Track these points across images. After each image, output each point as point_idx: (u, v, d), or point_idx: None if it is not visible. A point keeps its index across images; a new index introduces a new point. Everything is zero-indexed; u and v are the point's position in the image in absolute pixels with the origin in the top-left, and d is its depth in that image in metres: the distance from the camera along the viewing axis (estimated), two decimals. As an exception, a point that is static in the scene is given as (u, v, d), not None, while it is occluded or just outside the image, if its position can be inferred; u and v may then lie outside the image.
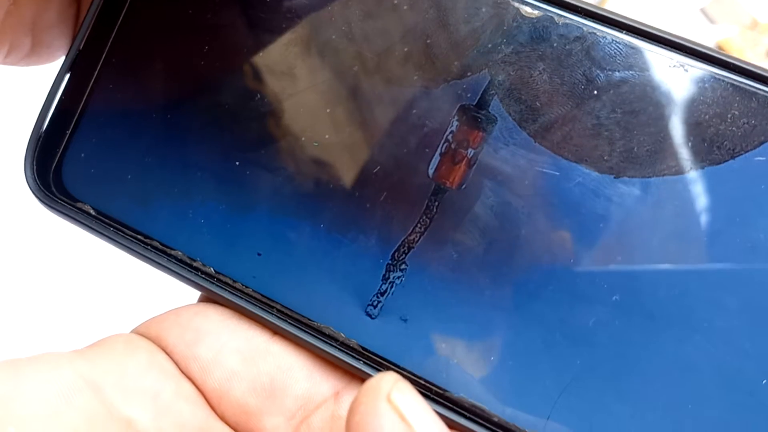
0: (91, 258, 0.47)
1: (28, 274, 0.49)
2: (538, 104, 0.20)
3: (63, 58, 0.25)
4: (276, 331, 0.21)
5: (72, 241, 0.46)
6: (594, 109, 0.20)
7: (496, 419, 0.19)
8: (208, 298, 0.23)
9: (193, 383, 0.21)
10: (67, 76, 0.23)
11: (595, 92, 0.20)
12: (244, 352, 0.21)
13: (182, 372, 0.21)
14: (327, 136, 0.21)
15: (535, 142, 0.20)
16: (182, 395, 0.20)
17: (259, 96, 0.22)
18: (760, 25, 0.54)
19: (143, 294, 0.40)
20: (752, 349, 0.18)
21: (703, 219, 0.19)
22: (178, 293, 0.24)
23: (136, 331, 0.22)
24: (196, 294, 0.23)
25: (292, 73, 0.21)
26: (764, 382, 0.18)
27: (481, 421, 0.20)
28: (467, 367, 0.20)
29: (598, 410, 0.19)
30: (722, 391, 0.18)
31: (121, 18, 0.22)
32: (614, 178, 0.19)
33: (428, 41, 0.20)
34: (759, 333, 0.18)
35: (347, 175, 0.21)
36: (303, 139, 0.21)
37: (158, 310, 0.22)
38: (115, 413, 0.19)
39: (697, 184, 0.19)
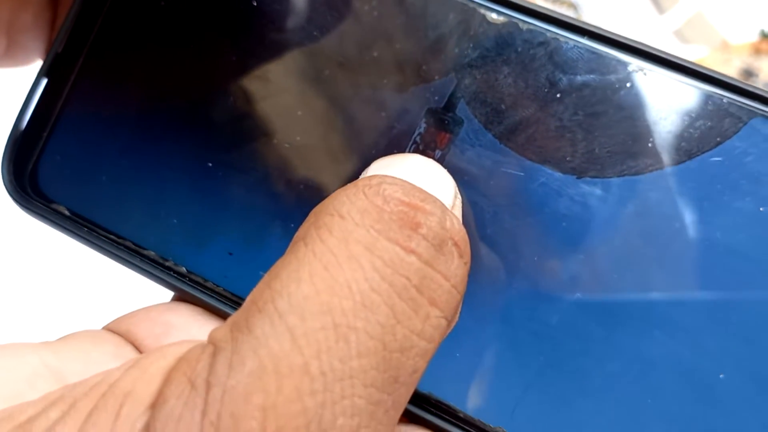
0: (65, 259, 0.47)
1: (2, 274, 0.49)
2: (503, 107, 0.20)
3: (37, 61, 0.26)
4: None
5: (48, 243, 0.46)
6: (557, 111, 0.20)
7: (461, 415, 0.20)
8: (180, 299, 0.23)
9: None
10: (45, 79, 0.23)
11: (558, 95, 0.20)
12: None
13: None
14: (298, 138, 0.22)
15: (500, 143, 0.20)
16: None
17: (231, 98, 0.22)
18: (730, 47, 0.55)
19: (116, 294, 0.40)
20: (709, 344, 0.19)
21: (662, 217, 0.19)
22: (151, 294, 0.24)
23: (106, 327, 0.22)
24: (169, 295, 0.23)
25: (264, 76, 0.22)
26: (721, 376, 0.19)
27: (447, 417, 0.20)
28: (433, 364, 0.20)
29: (561, 406, 0.19)
30: (681, 386, 0.19)
31: (99, 22, 0.23)
32: (576, 178, 0.20)
33: (397, 46, 0.21)
34: (716, 328, 0.19)
35: (318, 176, 0.21)
36: (275, 140, 0.22)
37: (131, 310, 0.23)
38: None
39: (656, 184, 0.20)
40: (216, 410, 0.12)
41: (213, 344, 0.14)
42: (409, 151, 0.21)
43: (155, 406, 0.13)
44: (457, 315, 0.16)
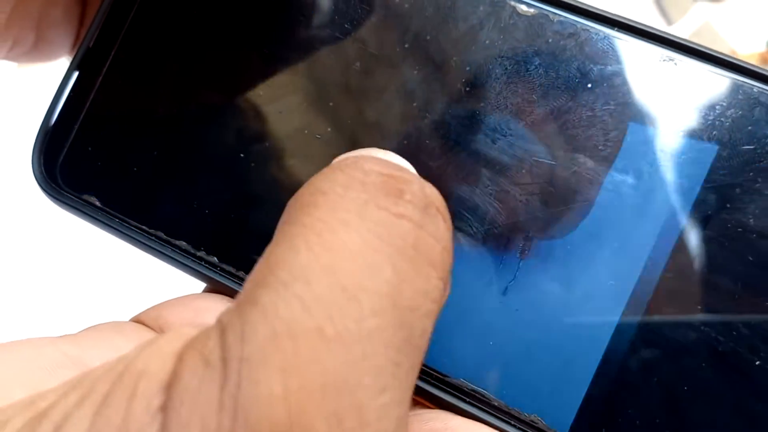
0: (96, 252, 0.48)
1: (34, 267, 0.49)
2: (534, 97, 0.21)
3: (64, 56, 0.26)
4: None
5: (78, 236, 0.46)
6: (588, 101, 0.20)
7: (496, 403, 0.20)
8: (212, 290, 0.23)
9: None
10: (76, 72, 0.23)
11: (589, 85, 0.20)
12: None
13: None
14: (329, 129, 0.22)
15: (532, 133, 0.21)
16: None
17: (263, 90, 0.22)
18: (738, 57, 0.55)
19: (146, 288, 0.40)
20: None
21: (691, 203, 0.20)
22: (181, 289, 0.24)
23: (135, 318, 0.22)
24: (200, 289, 0.23)
25: (295, 68, 0.22)
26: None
27: (481, 406, 0.20)
28: (467, 353, 0.20)
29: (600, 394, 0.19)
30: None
31: (131, 16, 0.23)
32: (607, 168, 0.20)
33: (428, 38, 0.21)
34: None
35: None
36: (306, 131, 0.22)
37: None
38: None
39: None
40: (234, 381, 0.12)
41: (222, 323, 0.14)
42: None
43: (171, 385, 0.13)
44: (450, 280, 0.16)
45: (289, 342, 0.12)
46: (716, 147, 0.20)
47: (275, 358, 0.12)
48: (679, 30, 0.58)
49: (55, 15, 0.24)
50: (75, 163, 0.23)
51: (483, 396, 0.20)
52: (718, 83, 0.20)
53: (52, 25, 0.25)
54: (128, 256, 0.25)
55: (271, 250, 0.14)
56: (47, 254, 0.50)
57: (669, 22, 0.58)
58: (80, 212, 0.23)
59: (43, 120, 0.23)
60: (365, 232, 0.14)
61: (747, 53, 0.56)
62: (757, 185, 0.19)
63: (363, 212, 0.14)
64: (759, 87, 0.20)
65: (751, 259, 0.19)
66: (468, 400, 0.20)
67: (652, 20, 0.58)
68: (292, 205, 0.15)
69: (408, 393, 0.14)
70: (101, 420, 0.13)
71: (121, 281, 0.47)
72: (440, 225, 0.15)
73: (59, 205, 0.23)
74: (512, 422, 0.20)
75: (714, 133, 0.20)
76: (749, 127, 0.19)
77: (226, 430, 0.12)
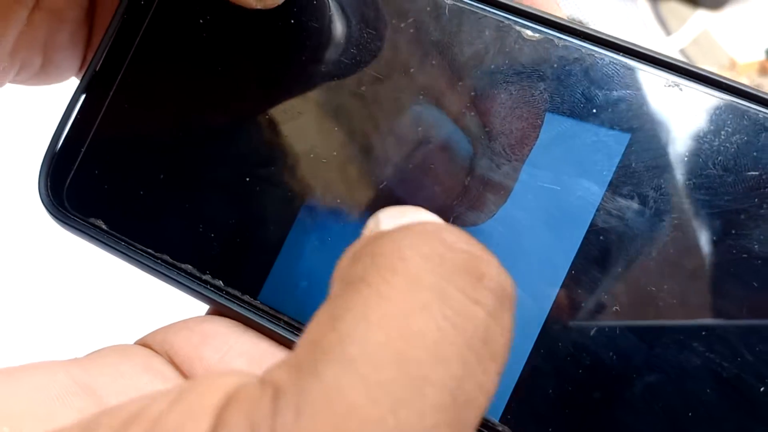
0: (102, 275, 0.48)
1: (39, 289, 0.49)
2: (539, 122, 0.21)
3: (70, 78, 0.26)
4: (282, 342, 0.21)
5: (84, 259, 0.46)
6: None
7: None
8: (216, 312, 0.23)
9: None
10: (83, 96, 0.23)
11: (594, 111, 0.21)
12: (250, 355, 0.21)
13: (185, 374, 0.21)
14: (334, 153, 0.22)
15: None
16: None
17: (268, 115, 0.22)
18: (738, 66, 0.56)
19: (152, 311, 0.40)
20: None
21: (695, 230, 0.20)
22: (186, 311, 0.24)
23: (140, 341, 0.22)
24: (205, 309, 0.23)
25: (302, 93, 0.22)
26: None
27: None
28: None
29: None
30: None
31: (137, 40, 0.23)
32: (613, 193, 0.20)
33: (433, 62, 0.21)
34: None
35: (354, 192, 0.22)
36: (311, 155, 0.22)
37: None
38: None
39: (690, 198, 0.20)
40: None
41: (273, 385, 0.13)
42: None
43: None
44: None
45: (349, 430, 0.12)
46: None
47: None
48: (677, 39, 0.58)
49: (62, 38, 0.24)
50: (81, 187, 0.23)
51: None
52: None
53: (59, 49, 0.25)
54: (134, 280, 0.25)
55: (341, 310, 0.14)
56: (54, 275, 0.50)
57: (667, 31, 0.58)
58: (87, 235, 0.23)
59: (50, 143, 0.23)
60: (442, 320, 0.13)
61: (746, 62, 0.57)
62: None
63: (443, 294, 0.14)
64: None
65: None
66: None
67: (651, 30, 0.58)
68: (369, 260, 0.14)
69: None
70: None
71: (127, 303, 0.48)
72: (508, 317, 0.15)
73: (66, 228, 0.23)
74: None
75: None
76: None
77: None
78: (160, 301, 0.33)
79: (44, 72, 0.25)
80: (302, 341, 0.14)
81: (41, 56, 0.24)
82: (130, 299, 0.47)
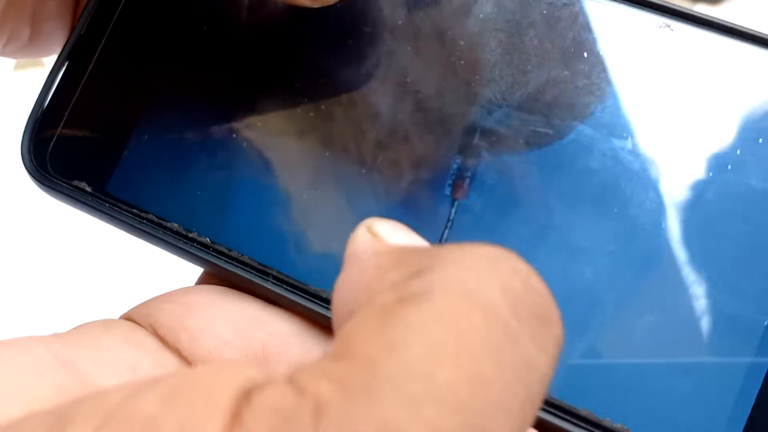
0: (87, 248, 0.47)
1: (26, 261, 0.48)
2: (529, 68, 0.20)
3: (59, 50, 0.26)
4: (271, 300, 0.21)
5: (70, 230, 0.46)
6: (582, 70, 0.20)
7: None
8: (207, 279, 0.22)
9: (181, 355, 0.20)
10: (67, 59, 0.23)
11: (585, 54, 0.20)
12: (236, 322, 0.20)
13: (169, 345, 0.20)
14: (323, 107, 0.21)
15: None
16: (163, 366, 0.20)
17: (254, 68, 0.22)
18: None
19: (140, 282, 0.40)
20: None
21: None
22: (177, 280, 0.24)
23: (124, 315, 0.21)
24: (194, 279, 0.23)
25: (293, 47, 0.22)
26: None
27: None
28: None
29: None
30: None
31: (122, 4, 0.23)
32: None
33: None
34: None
35: (345, 144, 0.21)
36: (299, 110, 0.22)
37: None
38: (89, 383, 0.18)
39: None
40: None
41: (314, 399, 0.11)
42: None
43: None
44: None
45: None
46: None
47: None
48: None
49: (50, 8, 0.24)
50: (65, 150, 0.23)
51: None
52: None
53: (47, 18, 0.24)
54: (123, 249, 0.25)
55: (401, 327, 0.12)
56: (40, 245, 0.49)
57: (668, 28, 0.58)
58: (70, 198, 0.22)
59: (33, 106, 0.23)
60: (510, 371, 0.12)
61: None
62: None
63: (516, 338, 0.12)
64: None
65: None
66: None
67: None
68: (437, 277, 0.13)
69: None
70: None
71: (116, 273, 0.47)
72: (557, 364, 0.13)
73: (49, 193, 0.22)
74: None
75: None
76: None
77: None
78: (150, 274, 0.32)
79: (32, 44, 0.25)
80: (349, 352, 0.12)
81: (29, 27, 0.24)
82: (121, 267, 0.46)
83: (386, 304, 0.13)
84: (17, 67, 0.54)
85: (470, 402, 0.11)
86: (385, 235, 0.16)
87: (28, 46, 0.25)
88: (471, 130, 0.20)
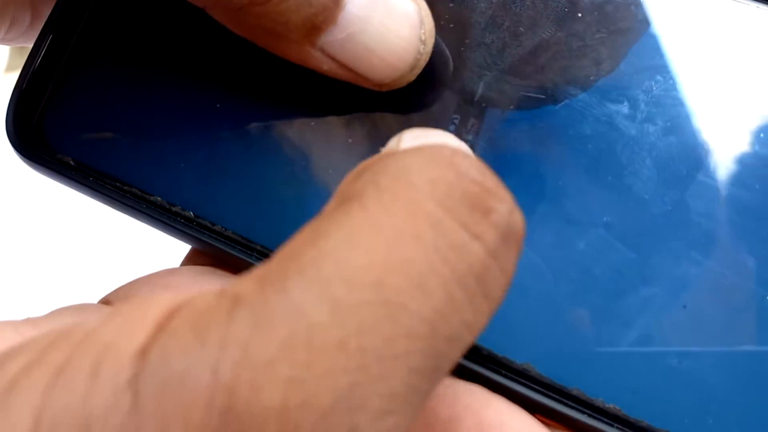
0: (74, 225, 0.47)
1: (12, 240, 0.48)
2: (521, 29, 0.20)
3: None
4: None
5: (59, 208, 0.45)
6: (578, 31, 0.19)
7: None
8: (192, 257, 0.22)
9: None
10: (51, 32, 0.23)
11: (579, 15, 0.19)
12: None
13: None
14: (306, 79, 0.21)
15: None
16: None
17: (238, 42, 0.21)
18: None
19: (128, 261, 0.39)
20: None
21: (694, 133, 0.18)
22: (162, 261, 0.23)
23: (103, 299, 0.21)
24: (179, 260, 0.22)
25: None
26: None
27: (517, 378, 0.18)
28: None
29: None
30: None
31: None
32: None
33: None
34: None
35: (330, 115, 0.21)
36: (281, 81, 0.21)
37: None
38: None
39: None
40: (232, 372, 0.11)
41: (232, 295, 0.12)
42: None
43: (145, 357, 0.11)
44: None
45: (306, 352, 0.11)
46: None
47: (284, 367, 0.11)
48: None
49: None
50: (49, 124, 0.22)
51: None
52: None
53: (47, 1, 0.24)
54: (109, 229, 0.24)
55: (327, 227, 0.13)
56: (27, 225, 0.49)
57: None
58: (54, 173, 0.22)
59: (17, 79, 0.22)
60: (433, 253, 0.12)
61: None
62: None
63: (440, 224, 0.13)
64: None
65: None
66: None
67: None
68: (370, 177, 0.13)
69: (417, 415, 0.12)
70: (56, 396, 0.11)
71: (104, 250, 0.46)
72: (512, 258, 0.14)
73: (33, 167, 0.22)
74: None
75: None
76: None
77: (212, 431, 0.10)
78: (139, 251, 0.32)
79: (33, 29, 0.24)
80: (277, 254, 0.13)
81: (30, 11, 0.24)
82: (104, 250, 0.46)
83: (326, 208, 0.13)
84: (8, 69, 0.54)
85: (382, 281, 0.12)
86: (404, 140, 0.16)
87: (29, 31, 0.24)
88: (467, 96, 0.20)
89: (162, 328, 0.11)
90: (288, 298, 0.11)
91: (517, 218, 0.14)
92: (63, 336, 0.12)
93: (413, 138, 0.16)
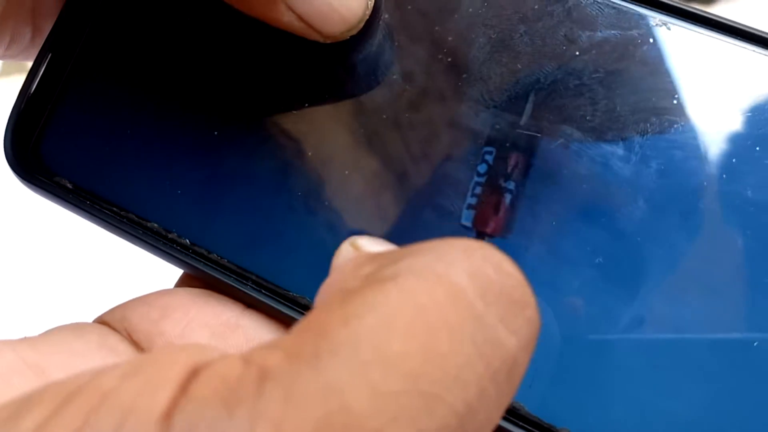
0: (71, 242, 0.47)
1: (6, 258, 0.48)
2: (519, 66, 0.20)
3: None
4: (249, 305, 0.20)
5: (54, 228, 0.45)
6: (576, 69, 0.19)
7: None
8: (186, 280, 0.22)
9: None
10: (49, 52, 0.23)
11: (577, 53, 0.19)
12: (212, 327, 0.20)
13: (143, 351, 0.20)
14: (306, 105, 0.21)
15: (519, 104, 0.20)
16: None
17: (237, 68, 0.21)
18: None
19: (121, 283, 0.39)
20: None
21: (690, 175, 0.18)
22: (157, 283, 0.23)
23: (99, 319, 0.21)
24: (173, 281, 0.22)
25: (276, 46, 0.21)
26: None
27: None
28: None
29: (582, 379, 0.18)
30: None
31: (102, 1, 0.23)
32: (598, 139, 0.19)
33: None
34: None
35: (322, 143, 0.21)
36: (282, 108, 0.21)
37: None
38: None
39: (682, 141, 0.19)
40: None
41: (261, 366, 0.11)
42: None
43: (170, 424, 0.11)
44: None
45: None
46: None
47: None
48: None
49: (49, 4, 0.24)
50: (47, 146, 0.22)
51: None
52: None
53: (47, 16, 0.24)
54: (104, 250, 0.24)
55: (361, 306, 0.12)
56: (22, 244, 0.49)
57: None
58: (52, 195, 0.22)
59: (16, 100, 0.22)
60: (470, 346, 0.12)
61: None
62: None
63: (481, 320, 0.13)
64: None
65: None
66: None
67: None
68: (408, 261, 0.13)
69: None
70: None
71: (97, 271, 0.46)
72: (533, 350, 0.14)
73: (31, 188, 0.22)
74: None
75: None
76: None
77: None
78: (132, 272, 0.32)
79: (34, 45, 0.24)
80: (303, 326, 0.12)
81: (30, 26, 0.24)
82: (99, 270, 0.46)
83: (353, 287, 0.13)
84: (2, 74, 0.53)
85: (420, 370, 0.11)
86: (365, 246, 0.16)
87: (30, 47, 0.24)
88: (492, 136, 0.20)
89: (185, 391, 0.11)
90: (322, 377, 0.11)
91: (539, 310, 0.14)
92: (80, 391, 0.11)
93: (369, 244, 0.16)
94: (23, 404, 0.12)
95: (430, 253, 0.13)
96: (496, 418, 0.13)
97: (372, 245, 0.16)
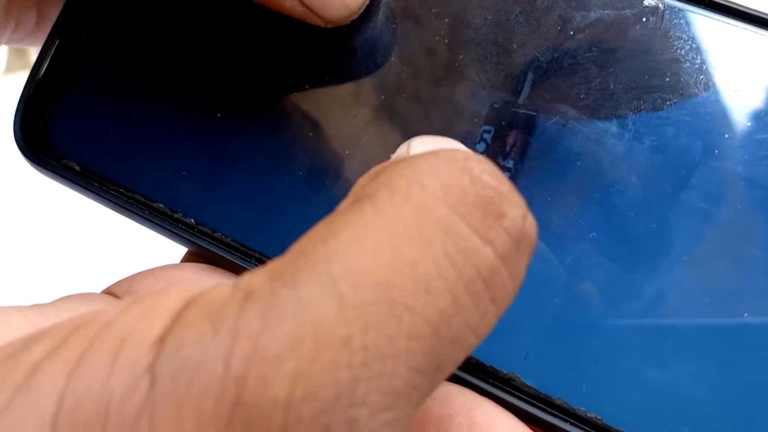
0: (78, 224, 0.47)
1: (19, 237, 0.49)
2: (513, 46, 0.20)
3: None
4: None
5: (62, 208, 0.46)
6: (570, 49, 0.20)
7: (473, 361, 0.19)
8: (191, 257, 0.22)
9: None
10: (58, 37, 0.23)
11: (572, 33, 0.20)
12: None
13: None
14: (306, 86, 0.21)
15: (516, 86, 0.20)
16: None
17: (243, 50, 0.22)
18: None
19: (127, 259, 0.40)
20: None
21: (682, 151, 0.19)
22: (163, 257, 0.24)
23: (106, 290, 0.22)
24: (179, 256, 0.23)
25: (283, 27, 0.22)
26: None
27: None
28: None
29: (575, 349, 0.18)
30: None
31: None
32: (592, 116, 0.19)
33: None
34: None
35: (330, 123, 0.21)
36: (278, 96, 0.21)
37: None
38: None
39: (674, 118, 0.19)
40: (243, 365, 0.11)
41: (245, 289, 0.12)
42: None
43: (162, 345, 0.12)
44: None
45: (312, 347, 0.12)
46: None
47: (291, 361, 0.11)
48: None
49: None
50: (56, 128, 0.23)
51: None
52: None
53: (52, 2, 0.24)
54: (111, 228, 0.25)
55: (338, 226, 0.13)
56: (33, 223, 0.50)
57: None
58: (60, 176, 0.22)
59: (25, 85, 0.23)
60: (441, 255, 0.13)
61: None
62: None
63: (451, 229, 0.13)
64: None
65: None
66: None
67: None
68: (384, 179, 0.14)
69: (415, 412, 0.13)
70: (79, 379, 0.12)
71: (103, 251, 0.47)
72: (523, 264, 0.14)
73: (40, 171, 0.23)
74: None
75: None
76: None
77: (223, 420, 0.11)
78: (139, 249, 0.33)
79: (40, 30, 0.25)
80: (290, 250, 0.13)
81: (35, 11, 0.24)
82: (107, 248, 0.46)
83: (339, 208, 0.14)
84: (7, 71, 0.54)
85: (389, 282, 0.12)
86: (414, 147, 0.16)
87: (35, 32, 0.25)
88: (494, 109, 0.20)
89: (179, 317, 0.12)
90: (296, 293, 0.12)
91: (530, 224, 0.14)
92: (84, 324, 0.13)
93: (422, 144, 0.16)
94: (32, 338, 0.13)
95: (408, 167, 0.14)
96: (479, 327, 0.13)
97: (421, 145, 0.16)
